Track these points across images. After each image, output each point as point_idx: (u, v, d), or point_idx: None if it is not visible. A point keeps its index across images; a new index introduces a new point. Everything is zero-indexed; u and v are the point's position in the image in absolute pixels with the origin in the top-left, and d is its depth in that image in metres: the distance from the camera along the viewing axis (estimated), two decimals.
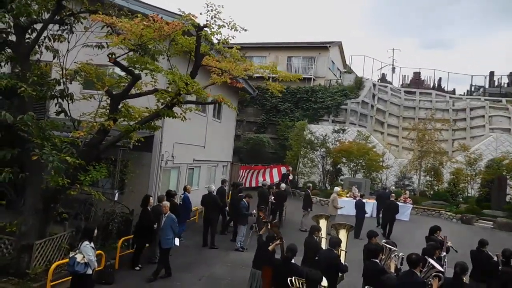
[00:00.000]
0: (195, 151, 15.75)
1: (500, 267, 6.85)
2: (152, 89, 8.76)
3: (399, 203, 17.05)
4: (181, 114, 8.87)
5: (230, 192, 15.76)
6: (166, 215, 9.33)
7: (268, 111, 31.83)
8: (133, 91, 8.82)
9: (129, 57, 8.24)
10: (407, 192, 20.91)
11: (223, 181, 15.44)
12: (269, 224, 8.09)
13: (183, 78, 7.43)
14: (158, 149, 12.38)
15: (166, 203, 9.59)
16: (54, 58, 8.71)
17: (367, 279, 6.36)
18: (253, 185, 25.45)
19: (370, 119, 32.92)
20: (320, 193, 23.24)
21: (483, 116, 31.76)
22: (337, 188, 16.34)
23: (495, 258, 7.90)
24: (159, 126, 8.95)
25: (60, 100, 8.52)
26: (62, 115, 8.50)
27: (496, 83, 38.68)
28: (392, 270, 6.34)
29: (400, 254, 6.88)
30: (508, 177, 21.73)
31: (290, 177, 25.33)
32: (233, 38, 7.70)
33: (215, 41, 8.14)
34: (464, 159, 24.02)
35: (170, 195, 10.86)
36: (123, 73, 9.00)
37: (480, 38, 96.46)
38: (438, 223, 19.12)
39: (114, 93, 8.60)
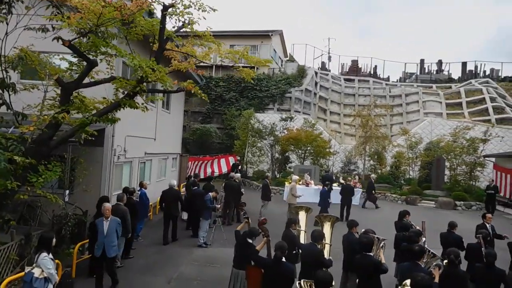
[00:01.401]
0: (146, 144, 14.81)
1: (483, 249, 6.99)
2: (108, 77, 7.88)
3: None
4: (142, 104, 8.09)
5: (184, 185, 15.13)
6: (108, 219, 7.99)
7: (213, 100, 31.11)
8: (86, 80, 7.88)
9: (80, 41, 7.31)
10: (356, 177, 21.46)
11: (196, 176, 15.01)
12: (249, 219, 7.62)
13: (149, 64, 6.69)
14: (110, 143, 11.37)
15: (108, 206, 8.08)
16: None
17: (360, 275, 6.10)
18: (202, 176, 24.78)
19: (313, 107, 33.45)
20: (272, 182, 23.11)
21: (417, 102, 33.54)
22: (295, 177, 16.24)
23: (463, 239, 8.13)
24: (117, 118, 8.09)
25: None
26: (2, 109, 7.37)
27: (426, 70, 41.07)
28: (384, 260, 6.19)
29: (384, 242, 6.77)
30: (445, 158, 23.10)
31: (239, 167, 25.04)
32: (204, 19, 7.06)
33: (180, 23, 7.46)
34: (405, 142, 25.14)
35: (128, 192, 10.00)
36: (70, 60, 7.99)
37: (412, 27, 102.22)
38: (385, 205, 20.13)
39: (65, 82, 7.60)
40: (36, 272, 5.72)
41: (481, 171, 23.05)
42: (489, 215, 9.83)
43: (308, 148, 24.75)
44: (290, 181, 20.44)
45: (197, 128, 28.65)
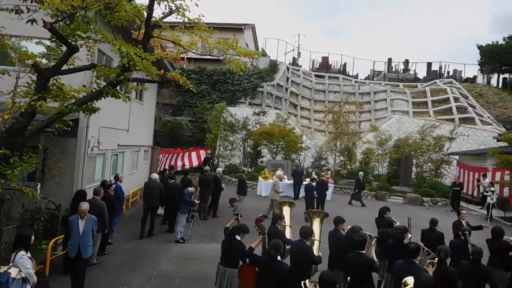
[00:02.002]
0: (120, 135, 14.27)
1: (469, 246, 7.11)
2: (89, 64, 7.45)
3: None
4: (124, 93, 7.71)
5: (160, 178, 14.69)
6: (85, 218, 7.32)
7: (184, 93, 30.53)
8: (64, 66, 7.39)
9: (59, 25, 6.85)
10: (329, 172, 21.67)
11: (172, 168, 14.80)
12: (239, 216, 7.41)
13: (137, 51, 6.33)
14: (84, 134, 10.82)
15: (85, 207, 7.38)
16: None
17: (353, 273, 6.05)
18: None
19: (284, 102, 33.51)
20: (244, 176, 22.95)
21: (385, 100, 34.33)
22: (278, 172, 16.05)
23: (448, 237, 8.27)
24: (97, 107, 7.65)
25: None
26: None
27: (393, 69, 42.09)
28: (375, 258, 6.19)
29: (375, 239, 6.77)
30: (413, 155, 23.77)
31: (211, 161, 24.74)
32: (197, 6, 6.74)
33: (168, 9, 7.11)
34: (374, 139, 25.63)
35: (105, 186, 9.56)
36: (48, 45, 7.48)
37: (380, 26, 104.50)
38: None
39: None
40: (13, 272, 5.30)
41: (446, 169, 23.86)
42: (463, 212, 10.07)
43: (281, 143, 24.76)
44: (263, 175, 20.49)
45: (168, 120, 28.05)
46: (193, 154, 26.28)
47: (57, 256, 8.59)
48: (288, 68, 35.14)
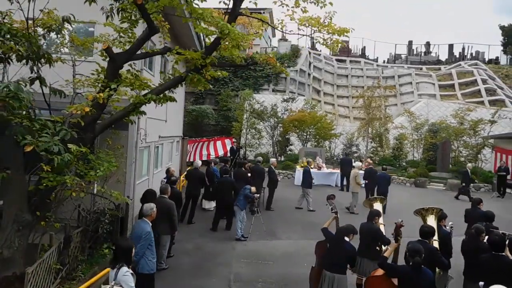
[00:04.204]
0: (160, 126, 13.42)
1: None
2: (162, 48, 6.57)
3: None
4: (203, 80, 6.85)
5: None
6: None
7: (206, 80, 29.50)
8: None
9: (125, 5, 5.95)
10: (369, 159, 20.72)
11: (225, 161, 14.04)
12: (338, 214, 6.56)
13: (234, 30, 5.43)
14: (136, 126, 9.94)
15: (152, 207, 6.15)
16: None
17: (490, 279, 5.21)
18: (197, 159, 23.43)
19: (307, 88, 32.48)
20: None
21: (411, 83, 33.19)
22: (358, 163, 15.05)
23: None
24: (173, 97, 6.79)
25: (31, 63, 5.91)
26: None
27: (415, 52, 40.80)
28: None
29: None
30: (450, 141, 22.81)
31: (240, 150, 23.97)
32: None
33: None
34: (409, 124, 24.63)
35: (171, 182, 8.77)
36: (121, 27, 6.57)
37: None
38: (393, 187, 19.46)
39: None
40: None
41: (483, 153, 22.91)
42: None
43: (311, 130, 23.83)
44: (301, 164, 19.59)
45: (192, 109, 27.18)
46: (218, 143, 25.43)
47: None
48: (309, 53, 33.99)
